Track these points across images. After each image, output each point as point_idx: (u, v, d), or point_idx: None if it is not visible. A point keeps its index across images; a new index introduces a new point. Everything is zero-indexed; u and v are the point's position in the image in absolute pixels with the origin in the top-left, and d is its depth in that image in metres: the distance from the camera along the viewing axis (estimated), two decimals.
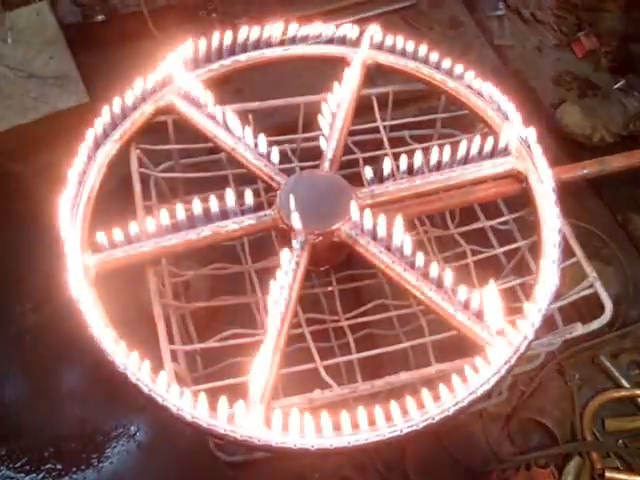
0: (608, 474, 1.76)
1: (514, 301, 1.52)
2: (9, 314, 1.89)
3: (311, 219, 1.34)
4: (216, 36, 1.58)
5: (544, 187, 1.44)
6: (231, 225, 1.37)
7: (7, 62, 2.11)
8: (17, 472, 1.72)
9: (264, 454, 1.64)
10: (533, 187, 1.46)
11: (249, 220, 1.37)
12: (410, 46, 1.62)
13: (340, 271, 1.64)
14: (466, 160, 1.47)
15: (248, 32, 1.60)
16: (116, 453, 1.76)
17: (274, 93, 1.74)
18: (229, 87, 2.09)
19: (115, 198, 1.46)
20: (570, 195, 1.50)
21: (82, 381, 1.84)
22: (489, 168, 1.48)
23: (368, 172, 1.43)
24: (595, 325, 1.45)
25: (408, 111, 1.91)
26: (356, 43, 1.63)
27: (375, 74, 1.71)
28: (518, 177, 1.49)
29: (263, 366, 1.20)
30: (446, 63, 1.61)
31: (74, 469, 1.73)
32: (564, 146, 2.24)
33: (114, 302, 1.28)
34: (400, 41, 1.63)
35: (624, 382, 1.91)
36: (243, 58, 1.61)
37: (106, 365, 1.23)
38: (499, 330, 1.25)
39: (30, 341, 1.86)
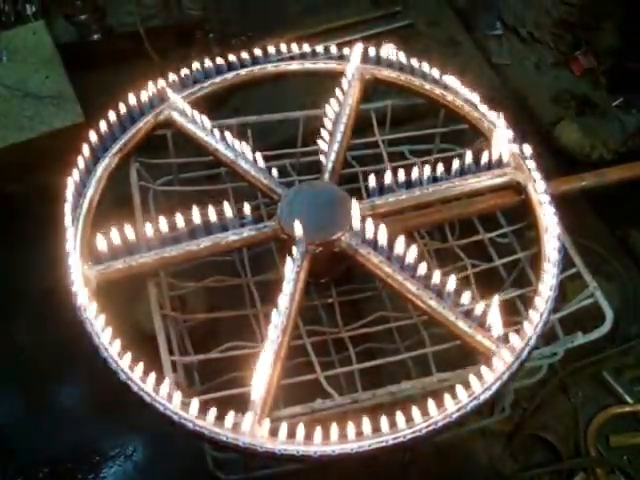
0: None
1: (514, 314, 1.52)
2: (5, 332, 1.87)
3: (311, 229, 1.34)
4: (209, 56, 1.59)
5: (543, 196, 1.44)
6: (231, 236, 1.36)
7: (3, 81, 2.10)
8: None
9: (263, 473, 1.62)
10: (532, 197, 1.46)
11: (249, 231, 1.37)
12: (406, 60, 1.63)
13: (340, 285, 1.64)
14: (465, 172, 1.47)
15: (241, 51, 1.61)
16: (112, 473, 1.73)
17: (272, 111, 1.74)
18: (227, 106, 2.10)
19: (114, 212, 1.45)
20: (569, 212, 1.50)
21: (78, 400, 1.82)
22: (488, 179, 1.48)
23: (370, 181, 1.43)
24: (596, 334, 1.44)
25: (407, 129, 1.90)
26: (351, 58, 1.64)
27: (373, 93, 1.72)
28: (517, 188, 1.49)
29: (264, 373, 1.19)
30: (443, 76, 1.62)
31: None
32: (563, 164, 2.24)
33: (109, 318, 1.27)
34: (396, 55, 1.64)
35: (627, 398, 1.89)
36: (233, 75, 1.63)
37: (103, 384, 1.22)
38: (501, 337, 1.24)
39: (26, 360, 1.84)
